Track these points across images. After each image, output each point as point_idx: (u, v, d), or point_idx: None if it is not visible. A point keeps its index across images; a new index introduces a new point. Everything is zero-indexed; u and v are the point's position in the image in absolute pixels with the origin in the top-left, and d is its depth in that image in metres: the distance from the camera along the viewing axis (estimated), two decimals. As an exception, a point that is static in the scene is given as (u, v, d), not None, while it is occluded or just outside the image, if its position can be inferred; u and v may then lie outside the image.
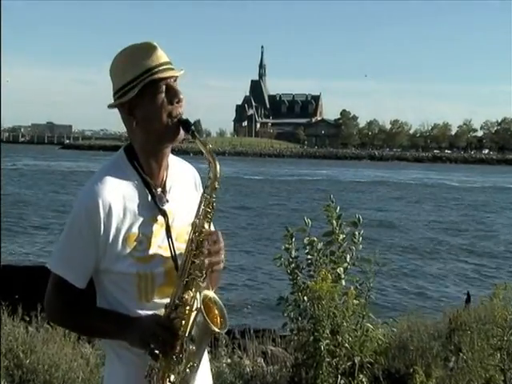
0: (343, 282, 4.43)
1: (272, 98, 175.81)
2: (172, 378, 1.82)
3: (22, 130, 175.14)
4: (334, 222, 4.53)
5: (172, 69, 1.91)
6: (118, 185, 1.88)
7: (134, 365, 1.87)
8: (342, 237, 4.53)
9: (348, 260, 4.49)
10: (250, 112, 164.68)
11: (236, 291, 11.96)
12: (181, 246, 1.90)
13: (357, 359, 4.24)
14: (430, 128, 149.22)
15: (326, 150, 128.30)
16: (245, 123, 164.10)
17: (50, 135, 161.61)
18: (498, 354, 4.37)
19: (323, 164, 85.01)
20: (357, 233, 4.53)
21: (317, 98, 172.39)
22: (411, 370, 4.46)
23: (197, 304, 1.83)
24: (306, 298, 4.36)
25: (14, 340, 4.50)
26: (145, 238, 1.87)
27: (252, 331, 5.99)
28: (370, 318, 4.41)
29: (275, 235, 15.88)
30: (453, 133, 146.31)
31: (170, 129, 1.88)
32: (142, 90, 1.85)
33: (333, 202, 4.56)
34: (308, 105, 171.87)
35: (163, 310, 1.85)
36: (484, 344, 4.43)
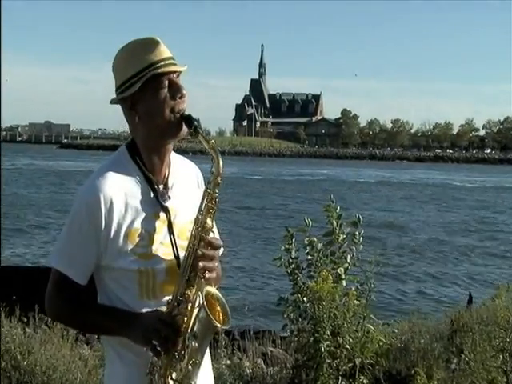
0: (344, 283, 4.40)
1: (272, 97, 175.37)
2: (174, 375, 1.81)
3: (20, 129, 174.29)
4: (335, 222, 4.51)
5: (175, 64, 1.88)
6: (120, 180, 1.86)
7: (135, 365, 1.85)
8: (342, 237, 4.51)
9: (348, 260, 4.47)
10: (250, 111, 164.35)
11: (236, 292, 11.94)
12: (183, 244, 1.88)
13: (358, 360, 4.23)
14: (431, 127, 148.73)
15: (326, 150, 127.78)
16: (245, 122, 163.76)
17: (47, 134, 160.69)
18: (501, 356, 4.36)
19: (324, 164, 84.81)
20: (357, 233, 4.52)
21: (317, 97, 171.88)
22: (412, 372, 4.43)
23: (199, 300, 1.81)
24: (306, 298, 4.34)
25: (11, 341, 4.48)
26: (147, 234, 1.85)
27: (252, 332, 5.98)
28: (370, 319, 4.39)
29: (275, 235, 15.85)
30: (455, 132, 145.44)
31: (173, 124, 1.86)
32: (144, 85, 1.83)
33: (333, 201, 4.54)
34: (308, 104, 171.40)
35: (165, 308, 1.82)
36: (486, 345, 4.40)
